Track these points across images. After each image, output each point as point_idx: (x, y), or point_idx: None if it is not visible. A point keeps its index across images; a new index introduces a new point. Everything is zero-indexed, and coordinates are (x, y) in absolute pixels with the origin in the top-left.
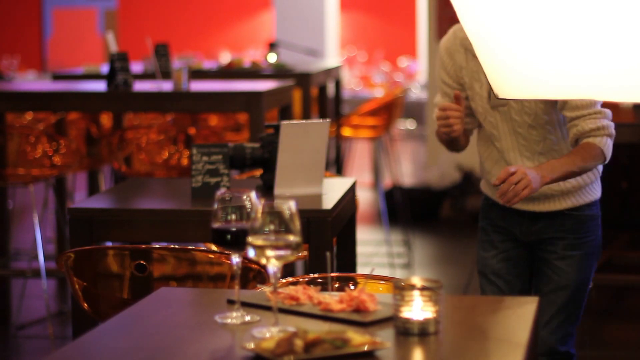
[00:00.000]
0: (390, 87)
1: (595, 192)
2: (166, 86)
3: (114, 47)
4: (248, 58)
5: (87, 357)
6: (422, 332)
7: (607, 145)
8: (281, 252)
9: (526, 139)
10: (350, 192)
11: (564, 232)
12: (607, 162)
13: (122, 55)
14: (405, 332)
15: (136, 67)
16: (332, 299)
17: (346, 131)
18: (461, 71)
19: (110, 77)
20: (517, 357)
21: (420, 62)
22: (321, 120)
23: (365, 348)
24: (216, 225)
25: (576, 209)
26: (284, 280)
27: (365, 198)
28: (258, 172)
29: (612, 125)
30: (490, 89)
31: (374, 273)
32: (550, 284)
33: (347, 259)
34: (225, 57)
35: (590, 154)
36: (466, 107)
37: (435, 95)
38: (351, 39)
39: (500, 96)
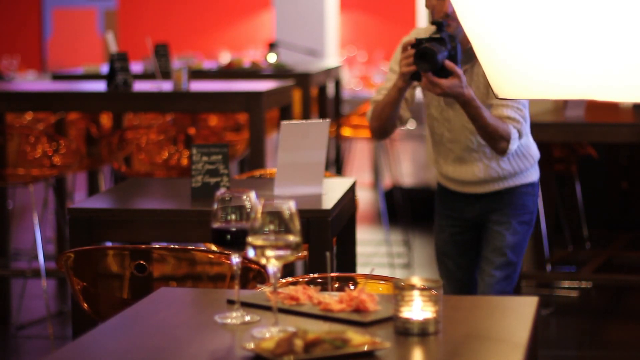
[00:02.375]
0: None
1: (530, 176)
2: (166, 86)
3: (113, 47)
4: (248, 58)
5: (87, 357)
6: (422, 332)
7: (514, 136)
8: (281, 252)
9: (473, 132)
10: (350, 192)
11: (501, 204)
12: (506, 150)
13: (122, 55)
14: (405, 332)
15: (136, 67)
16: (332, 299)
17: (346, 131)
18: None
19: (110, 77)
20: (517, 357)
21: None
22: (321, 120)
23: (365, 348)
24: (216, 225)
25: (512, 188)
26: (283, 280)
27: (365, 198)
28: (258, 172)
29: (524, 125)
30: None
31: (374, 273)
32: (488, 246)
33: (347, 259)
34: (225, 57)
35: (504, 130)
36: (408, 98)
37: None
38: (351, 39)
39: (500, 96)
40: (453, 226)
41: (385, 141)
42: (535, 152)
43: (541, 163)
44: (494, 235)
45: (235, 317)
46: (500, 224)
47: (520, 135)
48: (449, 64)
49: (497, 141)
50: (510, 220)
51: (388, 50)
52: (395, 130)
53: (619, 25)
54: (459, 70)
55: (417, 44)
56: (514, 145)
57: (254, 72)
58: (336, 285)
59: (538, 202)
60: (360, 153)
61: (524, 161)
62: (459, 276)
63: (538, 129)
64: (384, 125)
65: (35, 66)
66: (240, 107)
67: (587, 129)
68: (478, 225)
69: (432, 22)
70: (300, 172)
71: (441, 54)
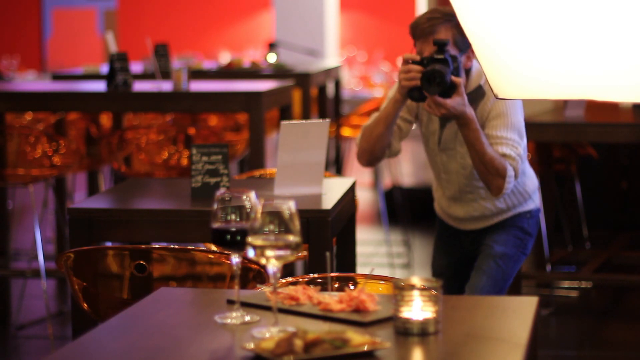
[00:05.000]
0: (390, 87)
1: (526, 207)
2: (166, 86)
3: (113, 47)
4: (248, 58)
5: (87, 357)
6: (422, 332)
7: (510, 174)
8: (281, 252)
9: (467, 177)
10: (350, 192)
11: (495, 230)
12: (501, 189)
13: (121, 55)
14: (405, 332)
15: (136, 67)
16: (332, 299)
17: (346, 131)
18: (418, 107)
19: (110, 77)
20: (517, 357)
21: None
22: (321, 120)
23: (365, 348)
24: (216, 225)
25: (507, 219)
26: (283, 280)
27: (365, 198)
28: (258, 172)
29: (520, 164)
30: (440, 135)
31: (374, 273)
32: (480, 256)
33: (347, 259)
34: (225, 57)
35: (501, 164)
36: (407, 120)
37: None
38: (351, 39)
39: (500, 96)
40: (449, 252)
41: None
42: (531, 187)
43: (541, 163)
44: (485, 249)
45: (235, 317)
46: (492, 240)
47: (516, 175)
48: (455, 79)
49: (492, 176)
50: (502, 235)
51: (388, 50)
52: (383, 158)
53: (619, 26)
54: (462, 88)
55: (421, 62)
56: (509, 185)
57: (253, 72)
58: (336, 285)
59: (537, 227)
60: None
61: (519, 197)
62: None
63: (538, 129)
64: (373, 146)
65: (35, 66)
66: (240, 107)
67: (587, 129)
68: (475, 257)
69: (435, 42)
70: (300, 172)
71: (447, 76)
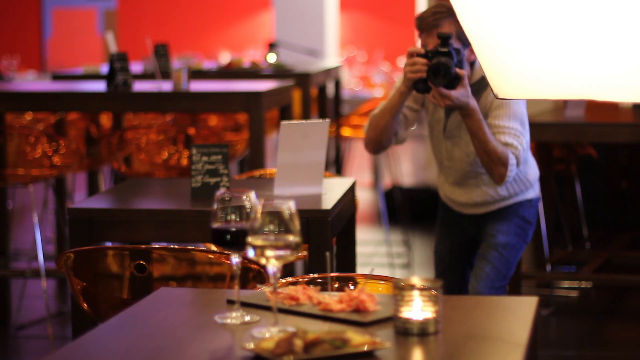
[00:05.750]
0: (390, 87)
1: (527, 195)
2: (166, 86)
3: (113, 47)
4: (248, 58)
5: (87, 357)
6: (421, 332)
7: (512, 162)
8: (281, 252)
9: (471, 164)
10: (350, 192)
11: (498, 217)
12: (504, 177)
13: (121, 55)
14: (405, 332)
15: (136, 67)
16: (332, 299)
17: (346, 131)
18: (424, 96)
19: (110, 78)
20: (516, 357)
21: None
22: (321, 120)
23: (365, 348)
24: (216, 225)
25: (509, 206)
26: (283, 280)
27: (365, 198)
28: (258, 172)
29: (521, 152)
30: (445, 123)
31: (374, 273)
32: (483, 245)
33: (347, 259)
34: (224, 57)
35: (503, 152)
36: (413, 109)
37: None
38: (351, 39)
39: (500, 96)
40: (452, 235)
41: None
42: (533, 175)
43: (541, 163)
44: (488, 238)
45: (235, 317)
46: (495, 229)
47: (518, 163)
48: (459, 71)
49: (495, 164)
50: (505, 224)
51: (388, 50)
52: (390, 146)
53: (619, 26)
54: (466, 80)
55: (426, 55)
56: (511, 173)
57: (253, 72)
58: (336, 285)
59: (537, 216)
60: (360, 153)
61: (520, 185)
62: (461, 287)
63: (538, 129)
64: (380, 135)
65: (35, 66)
66: (240, 107)
67: (587, 129)
68: (478, 242)
69: (439, 35)
70: (300, 172)
71: (452, 68)
